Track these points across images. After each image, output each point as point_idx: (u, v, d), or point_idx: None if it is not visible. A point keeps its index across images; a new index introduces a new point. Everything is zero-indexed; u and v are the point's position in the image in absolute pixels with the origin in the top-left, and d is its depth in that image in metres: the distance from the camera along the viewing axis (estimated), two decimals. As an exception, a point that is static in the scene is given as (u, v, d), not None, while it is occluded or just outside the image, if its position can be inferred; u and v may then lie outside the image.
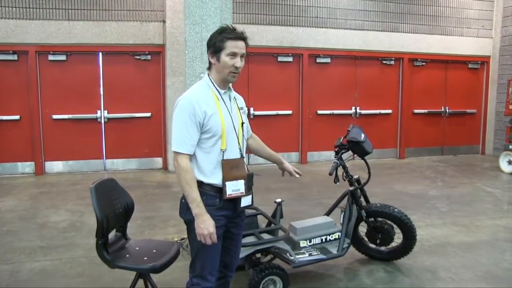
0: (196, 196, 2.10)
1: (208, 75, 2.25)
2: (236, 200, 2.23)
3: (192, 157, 2.16)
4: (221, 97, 2.22)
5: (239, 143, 2.25)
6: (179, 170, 2.11)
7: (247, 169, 2.30)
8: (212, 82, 2.22)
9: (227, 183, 2.17)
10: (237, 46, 2.14)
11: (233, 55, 2.14)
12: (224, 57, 2.14)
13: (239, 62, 2.16)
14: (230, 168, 2.18)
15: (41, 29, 7.23)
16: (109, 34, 7.49)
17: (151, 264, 2.43)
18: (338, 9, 8.62)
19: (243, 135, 2.30)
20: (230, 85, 2.29)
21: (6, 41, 7.13)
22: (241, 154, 2.26)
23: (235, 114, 2.27)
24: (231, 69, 2.16)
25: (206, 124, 2.12)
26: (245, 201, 2.27)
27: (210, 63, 2.24)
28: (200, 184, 2.16)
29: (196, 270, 2.24)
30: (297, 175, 2.67)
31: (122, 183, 2.85)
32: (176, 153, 2.13)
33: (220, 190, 2.18)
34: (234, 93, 2.35)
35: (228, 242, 2.34)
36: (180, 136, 2.11)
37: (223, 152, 2.17)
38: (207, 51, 2.22)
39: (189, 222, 2.18)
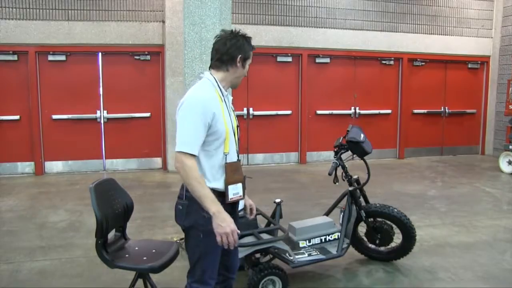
0: (208, 192, 1.99)
1: (212, 74, 2.20)
2: (235, 204, 2.22)
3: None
4: (224, 98, 2.18)
5: (236, 146, 2.24)
6: (185, 168, 1.99)
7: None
8: (217, 82, 2.17)
9: (229, 187, 2.13)
10: None
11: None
12: (247, 65, 2.25)
13: None
14: (231, 172, 2.15)
15: (41, 30, 7.23)
16: (109, 34, 7.49)
17: (150, 264, 2.43)
18: (337, 9, 8.62)
19: (238, 137, 2.28)
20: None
21: (6, 42, 7.13)
22: (238, 157, 2.25)
23: (233, 116, 2.26)
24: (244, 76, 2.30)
25: (214, 126, 2.06)
26: (240, 205, 2.27)
27: (227, 65, 2.17)
28: None
29: (196, 275, 2.18)
30: (252, 215, 2.48)
31: (122, 183, 2.85)
32: (181, 153, 2.01)
33: (221, 194, 2.12)
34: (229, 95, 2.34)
35: None
36: (188, 135, 2.02)
37: (226, 155, 2.14)
38: (238, 56, 2.15)
39: (189, 228, 2.13)
